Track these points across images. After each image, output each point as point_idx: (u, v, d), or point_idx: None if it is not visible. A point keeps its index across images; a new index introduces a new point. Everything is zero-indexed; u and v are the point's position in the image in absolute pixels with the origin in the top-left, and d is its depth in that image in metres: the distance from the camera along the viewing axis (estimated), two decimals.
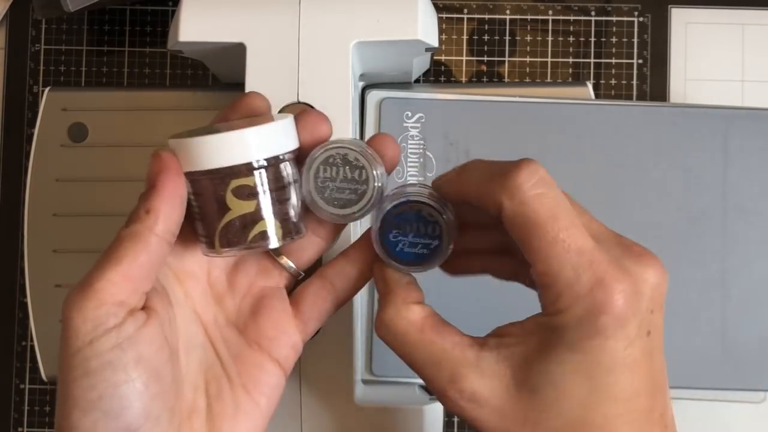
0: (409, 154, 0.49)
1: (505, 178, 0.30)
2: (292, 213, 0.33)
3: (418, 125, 0.49)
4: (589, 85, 0.51)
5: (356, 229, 0.42)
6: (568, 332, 0.29)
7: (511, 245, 0.34)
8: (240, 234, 0.32)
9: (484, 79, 0.54)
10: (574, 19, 0.54)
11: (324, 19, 0.42)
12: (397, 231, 0.33)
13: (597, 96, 0.53)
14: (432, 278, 0.35)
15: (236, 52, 0.42)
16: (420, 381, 0.49)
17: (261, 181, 0.32)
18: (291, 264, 0.36)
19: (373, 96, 0.49)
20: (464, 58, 0.54)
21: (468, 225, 0.35)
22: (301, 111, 0.34)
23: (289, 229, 0.33)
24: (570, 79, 0.54)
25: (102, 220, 0.51)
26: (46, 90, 0.51)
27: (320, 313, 0.35)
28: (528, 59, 0.54)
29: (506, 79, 0.54)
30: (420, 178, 0.49)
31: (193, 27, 0.42)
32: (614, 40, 0.54)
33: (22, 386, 0.53)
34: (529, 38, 0.54)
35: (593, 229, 0.31)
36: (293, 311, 0.35)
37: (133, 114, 0.51)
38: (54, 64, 0.54)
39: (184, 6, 0.42)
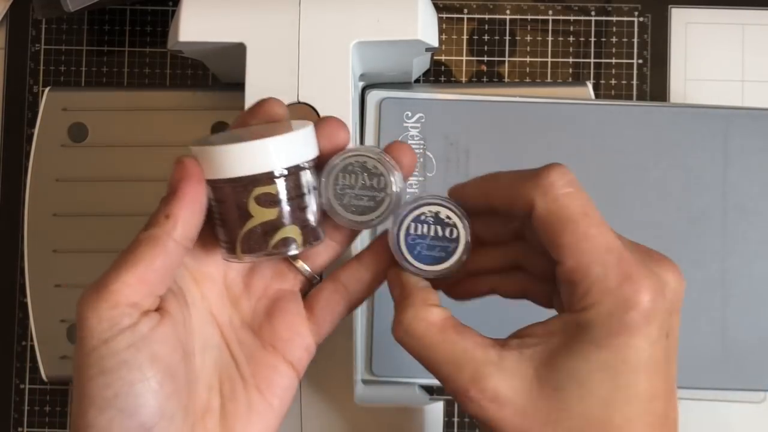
0: None
1: (537, 177, 0.31)
2: (311, 220, 0.34)
3: (418, 125, 0.49)
4: (589, 85, 0.51)
5: (363, 234, 0.42)
6: (594, 328, 0.29)
7: (523, 259, 0.35)
8: (261, 241, 0.32)
9: (484, 79, 0.54)
10: (574, 19, 0.54)
11: (324, 19, 0.42)
12: (415, 234, 0.33)
13: (597, 96, 0.53)
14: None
15: (236, 52, 0.42)
16: (420, 381, 0.49)
17: (283, 189, 0.32)
18: (306, 268, 0.36)
19: (373, 96, 0.49)
20: (464, 58, 0.54)
21: (477, 244, 0.35)
22: (319, 119, 0.35)
23: (308, 236, 0.33)
24: (570, 79, 0.54)
25: (102, 220, 0.51)
26: (46, 90, 0.51)
27: (333, 315, 0.36)
28: (528, 59, 0.54)
29: (506, 79, 0.54)
30: (420, 178, 0.49)
31: (193, 27, 0.42)
32: (614, 40, 0.54)
33: (22, 386, 0.53)
34: (529, 38, 0.54)
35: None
36: (307, 314, 0.36)
37: (133, 114, 0.51)
38: (54, 64, 0.54)
39: (184, 6, 0.42)
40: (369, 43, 0.42)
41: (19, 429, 0.53)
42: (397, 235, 0.33)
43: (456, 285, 0.36)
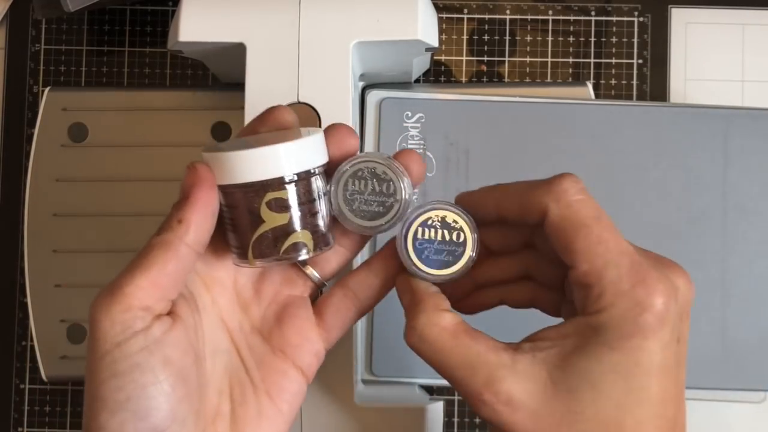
0: None
1: (550, 185, 0.31)
2: (321, 225, 0.34)
3: (418, 125, 0.49)
4: (589, 85, 0.52)
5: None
6: (608, 331, 0.30)
7: (531, 268, 0.35)
8: (272, 246, 0.33)
9: (484, 79, 0.54)
10: (574, 19, 0.54)
11: (324, 19, 0.42)
12: (422, 238, 0.34)
13: (597, 96, 0.53)
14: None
15: (236, 52, 0.42)
16: (420, 381, 0.49)
17: (294, 194, 0.33)
18: (316, 274, 0.36)
19: (373, 96, 0.49)
20: (464, 58, 0.54)
21: (486, 254, 0.36)
22: (329, 126, 0.35)
23: (318, 241, 0.34)
24: (570, 79, 0.54)
25: (102, 220, 0.51)
26: (46, 90, 0.51)
27: (343, 321, 0.36)
28: (528, 59, 0.54)
29: (506, 79, 0.54)
30: None
31: (193, 27, 0.42)
32: (614, 40, 0.54)
33: (22, 386, 0.53)
34: (529, 38, 0.54)
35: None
36: (316, 320, 0.36)
37: (133, 114, 0.51)
38: (54, 64, 0.54)
39: (184, 6, 0.42)
40: (369, 43, 0.42)
41: (19, 429, 0.53)
42: (405, 239, 0.34)
43: (465, 299, 0.36)
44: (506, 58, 0.54)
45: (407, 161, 0.35)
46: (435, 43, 0.44)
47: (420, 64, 0.49)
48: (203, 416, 0.32)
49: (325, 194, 0.34)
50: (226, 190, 0.33)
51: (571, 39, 0.54)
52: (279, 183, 0.32)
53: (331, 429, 0.43)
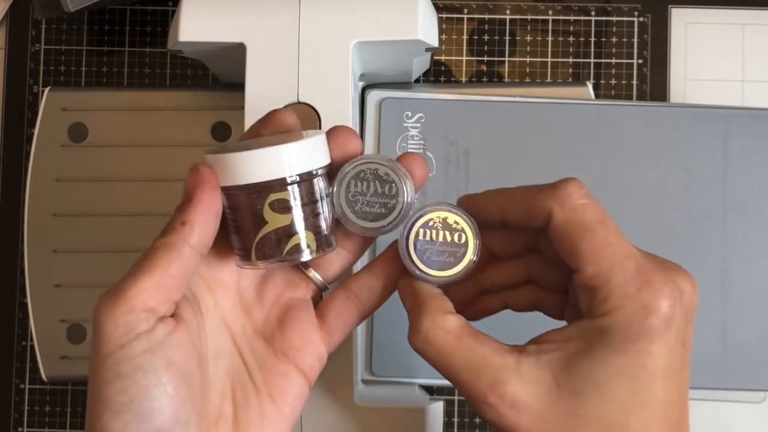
0: None
1: (555, 189, 0.32)
2: (324, 226, 0.34)
3: (418, 125, 0.49)
4: (589, 85, 0.52)
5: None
6: (613, 334, 0.30)
7: (535, 272, 0.35)
8: (275, 247, 0.33)
9: (484, 79, 0.54)
10: (574, 19, 0.54)
11: (324, 19, 0.42)
12: (424, 239, 0.34)
13: (597, 96, 0.53)
14: None
15: (236, 52, 0.42)
16: (420, 381, 0.49)
17: (296, 195, 0.33)
18: (318, 277, 0.36)
19: (373, 96, 0.49)
20: (464, 58, 0.54)
21: (489, 259, 0.36)
22: (331, 128, 0.35)
23: (321, 243, 0.34)
24: (570, 79, 0.54)
25: (102, 220, 0.51)
26: (46, 90, 0.51)
27: (345, 324, 0.36)
28: (528, 59, 0.54)
29: (506, 79, 0.54)
30: None
31: (193, 27, 0.42)
32: (614, 40, 0.54)
33: (22, 386, 0.53)
34: (529, 38, 0.54)
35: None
36: (319, 323, 0.36)
37: (133, 114, 0.51)
38: (54, 64, 0.54)
39: (184, 6, 0.42)
40: (369, 43, 0.42)
41: (19, 429, 0.53)
42: (407, 241, 0.34)
43: (469, 305, 0.36)
44: (506, 58, 0.54)
45: (410, 164, 0.35)
46: (435, 43, 0.44)
47: (420, 64, 0.49)
48: (206, 418, 0.32)
49: (327, 196, 0.34)
50: (228, 192, 0.33)
51: (571, 39, 0.54)
52: (281, 184, 0.32)
53: (332, 429, 0.43)
